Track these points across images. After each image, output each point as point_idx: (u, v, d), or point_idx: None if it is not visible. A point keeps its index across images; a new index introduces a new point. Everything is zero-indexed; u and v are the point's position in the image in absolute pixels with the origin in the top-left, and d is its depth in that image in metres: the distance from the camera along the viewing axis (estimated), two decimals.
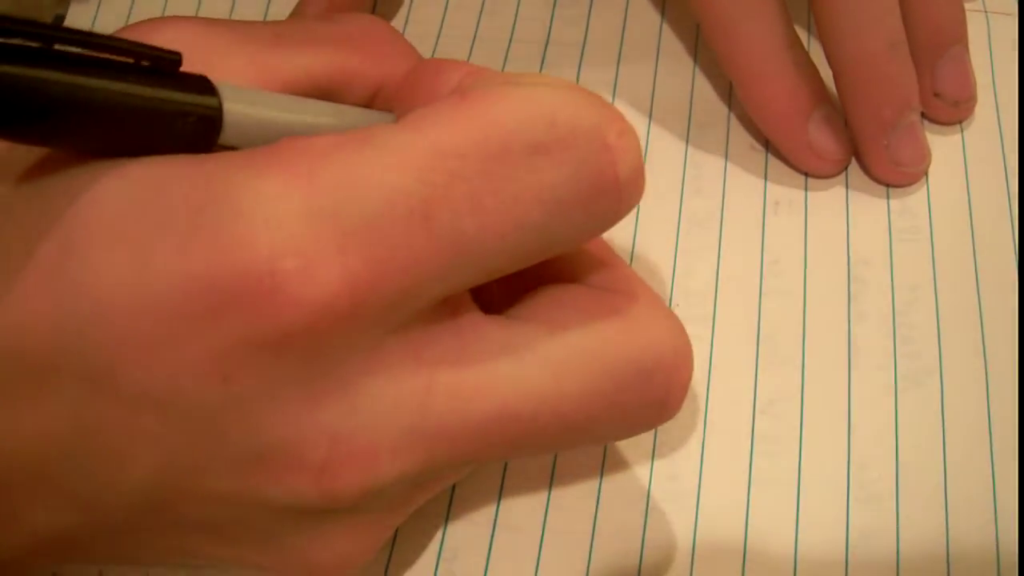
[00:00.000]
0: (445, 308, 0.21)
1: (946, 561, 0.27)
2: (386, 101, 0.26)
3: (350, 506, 0.21)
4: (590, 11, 0.38)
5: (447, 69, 0.23)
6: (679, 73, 0.36)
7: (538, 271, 0.23)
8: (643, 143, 0.35)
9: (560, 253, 0.22)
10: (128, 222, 0.19)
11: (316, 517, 0.21)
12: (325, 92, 0.25)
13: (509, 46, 0.37)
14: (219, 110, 0.20)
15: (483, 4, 0.38)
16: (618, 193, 0.21)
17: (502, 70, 0.36)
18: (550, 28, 0.37)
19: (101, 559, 0.23)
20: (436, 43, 0.37)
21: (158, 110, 0.19)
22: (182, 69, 0.20)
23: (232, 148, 0.21)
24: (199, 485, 0.20)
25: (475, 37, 0.37)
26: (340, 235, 0.19)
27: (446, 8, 0.38)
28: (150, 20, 0.23)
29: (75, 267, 0.19)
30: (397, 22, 0.38)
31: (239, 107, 0.21)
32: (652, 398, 0.23)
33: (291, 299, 0.19)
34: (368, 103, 0.26)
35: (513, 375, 0.21)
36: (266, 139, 0.21)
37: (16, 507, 0.21)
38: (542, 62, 0.37)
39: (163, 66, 0.19)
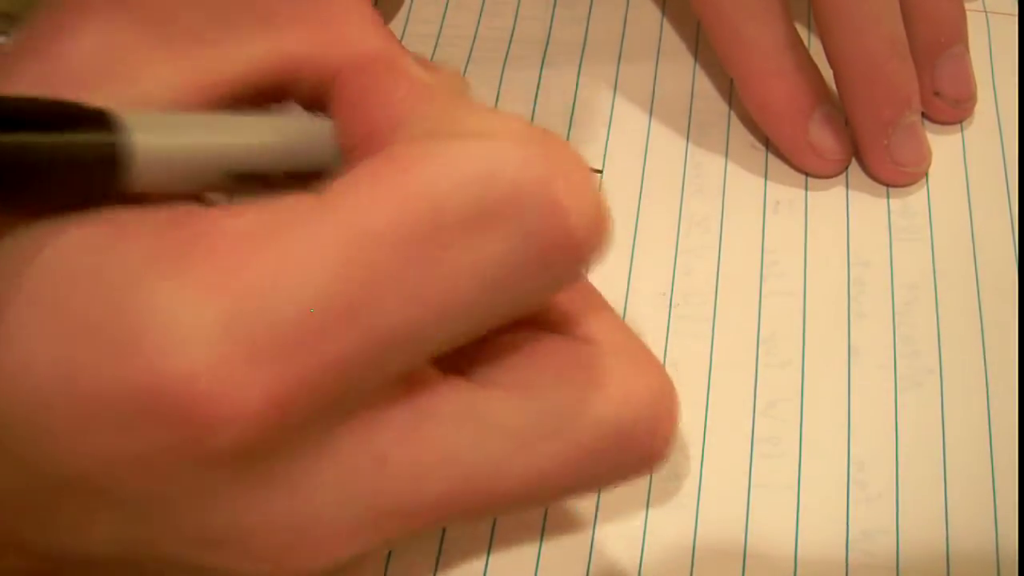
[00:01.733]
0: (398, 382, 0.20)
1: (946, 561, 0.27)
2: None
3: None
4: (590, 11, 0.38)
5: (390, 87, 0.21)
6: (679, 72, 0.36)
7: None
8: (643, 143, 0.35)
9: (520, 316, 0.21)
10: (52, 315, 0.18)
11: None
12: (272, 84, 0.22)
13: (509, 46, 0.37)
14: (121, 148, 0.17)
15: (483, 4, 0.38)
16: (576, 251, 0.19)
17: (502, 70, 0.36)
18: (550, 28, 0.37)
19: None
20: (436, 43, 0.37)
21: (44, 160, 0.17)
22: (83, 88, 0.18)
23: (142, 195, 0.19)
24: (158, 552, 0.20)
25: (475, 37, 0.37)
26: (258, 347, 0.17)
27: (446, 8, 0.38)
28: (60, 14, 0.20)
29: (5, 355, 0.18)
30: (397, 22, 0.38)
31: (150, 139, 0.18)
32: (633, 455, 0.21)
33: (211, 420, 0.17)
34: (320, 91, 0.23)
35: (474, 448, 0.20)
36: (191, 168, 0.19)
37: None
38: (542, 62, 0.37)
39: (49, 110, 0.17)
